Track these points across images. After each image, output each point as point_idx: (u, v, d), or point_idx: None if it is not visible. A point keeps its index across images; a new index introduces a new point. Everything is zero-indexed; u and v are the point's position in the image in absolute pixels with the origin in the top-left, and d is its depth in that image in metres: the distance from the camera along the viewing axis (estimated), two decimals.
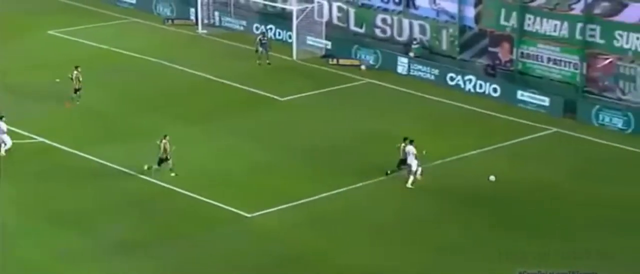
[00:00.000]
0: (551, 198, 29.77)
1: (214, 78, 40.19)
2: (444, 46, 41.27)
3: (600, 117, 36.04)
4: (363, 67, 41.75)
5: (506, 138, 34.26)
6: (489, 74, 39.94)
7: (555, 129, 35.45)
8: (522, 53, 39.02)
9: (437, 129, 34.97)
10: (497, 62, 39.82)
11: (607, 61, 37.00)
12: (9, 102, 36.70)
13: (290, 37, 43.47)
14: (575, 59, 37.67)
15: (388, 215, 28.53)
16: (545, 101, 37.40)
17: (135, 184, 30.32)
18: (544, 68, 38.67)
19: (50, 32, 42.96)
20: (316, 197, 29.40)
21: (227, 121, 35.60)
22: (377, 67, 40.94)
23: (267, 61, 41.90)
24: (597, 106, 36.36)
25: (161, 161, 30.47)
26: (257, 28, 45.48)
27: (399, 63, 41.38)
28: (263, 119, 36.02)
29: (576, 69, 37.67)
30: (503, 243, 26.81)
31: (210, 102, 37.71)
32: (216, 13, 47.02)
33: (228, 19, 46.81)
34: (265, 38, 42.70)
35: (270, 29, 44.95)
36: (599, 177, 31.25)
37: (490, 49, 40.08)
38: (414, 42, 41.90)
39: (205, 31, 46.40)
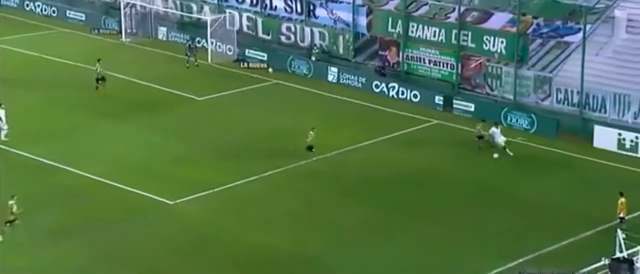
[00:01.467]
0: (432, 179, 30.41)
1: (137, 80, 39.74)
2: (341, 50, 41.64)
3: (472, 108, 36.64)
4: (270, 69, 41.68)
5: (396, 129, 34.77)
6: (380, 74, 40.66)
7: (436, 121, 36.27)
8: (407, 56, 39.77)
9: (335, 123, 35.17)
10: (387, 63, 40.46)
11: (477, 62, 38.21)
12: None
13: (207, 43, 43.11)
14: (451, 60, 38.59)
15: (292, 199, 28.64)
16: (427, 97, 38.09)
17: (64, 177, 29.71)
18: (426, 68, 39.48)
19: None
20: (231, 184, 29.38)
21: (149, 119, 35.18)
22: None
23: (196, 63, 41.63)
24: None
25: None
26: (176, 36, 45.16)
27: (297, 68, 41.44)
28: (182, 116, 35.75)
29: (452, 69, 38.68)
30: (387, 220, 27.31)
31: (134, 101, 37.17)
32: (137, 23, 46.42)
33: (149, 28, 46.22)
34: (194, 44, 42.46)
35: (185, 37, 44.60)
36: (470, 160, 31.96)
37: (381, 52, 40.70)
38: (315, 47, 42.10)
39: (128, 39, 45.83)
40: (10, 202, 26.02)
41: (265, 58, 41.84)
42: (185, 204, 28.11)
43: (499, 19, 37.87)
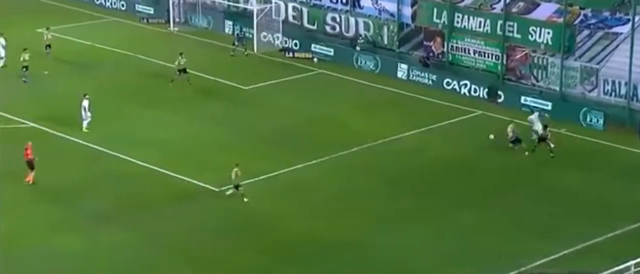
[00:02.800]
0: (473, 169, 30.36)
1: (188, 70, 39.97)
2: (386, 41, 41.58)
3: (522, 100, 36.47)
4: (315, 59, 41.93)
5: (439, 120, 34.74)
6: (424, 64, 40.57)
7: (480, 112, 36.09)
8: (452, 46, 39.61)
9: (379, 113, 35.28)
10: (431, 54, 40.35)
11: (523, 53, 37.86)
12: (4, 90, 36.31)
13: (253, 33, 43.33)
14: (496, 51, 38.30)
15: (336, 187, 28.91)
16: (471, 87, 37.93)
17: (113, 162, 30.25)
18: (470, 59, 39.31)
19: (38, 30, 42.25)
20: (276, 172, 29.65)
21: (196, 107, 35.47)
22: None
23: (245, 53, 41.94)
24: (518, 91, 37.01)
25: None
26: (223, 26, 45.51)
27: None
28: (229, 105, 35.99)
29: (497, 59, 38.44)
30: (427, 211, 27.50)
31: (180, 90, 37.55)
32: (187, 12, 46.93)
33: (197, 17, 46.73)
34: (243, 34, 42.86)
35: (232, 26, 44.92)
36: (511, 151, 31.77)
37: (425, 43, 40.59)
38: (360, 38, 42.06)
39: (176, 28, 46.34)
40: None
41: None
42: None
43: (545, 10, 37.49)
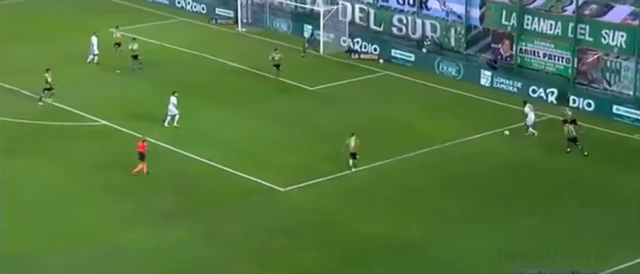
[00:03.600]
0: (538, 173, 29.89)
1: (251, 69, 40.39)
2: (453, 43, 41.23)
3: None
4: (381, 61, 41.85)
5: (506, 123, 34.10)
6: (492, 67, 39.96)
7: (549, 116, 35.35)
8: (521, 49, 38.92)
9: (443, 115, 34.97)
10: (499, 56, 39.72)
11: (595, 56, 36.90)
12: (73, 89, 37.09)
13: (319, 34, 43.54)
14: (567, 54, 37.52)
15: (399, 189, 28.82)
16: (540, 91, 37.31)
17: (180, 160, 30.58)
18: (540, 62, 38.53)
19: (111, 30, 43.13)
20: (340, 173, 29.61)
21: (262, 107, 35.64)
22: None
23: (314, 53, 42.24)
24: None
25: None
26: (290, 27, 45.85)
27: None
28: (294, 106, 36.14)
29: (568, 63, 37.59)
30: (490, 213, 27.18)
31: (247, 90, 37.88)
32: (254, 13, 47.39)
33: (264, 18, 47.11)
34: (313, 36, 43.21)
35: (299, 27, 45.27)
36: (579, 156, 31.22)
37: (493, 45, 40.02)
38: (427, 39, 41.90)
39: (244, 29, 46.77)
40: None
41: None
42: (294, 191, 28.51)
43: (618, 12, 36.46)
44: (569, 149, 31.10)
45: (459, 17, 40.93)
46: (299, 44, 42.97)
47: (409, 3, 42.67)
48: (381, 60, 41.87)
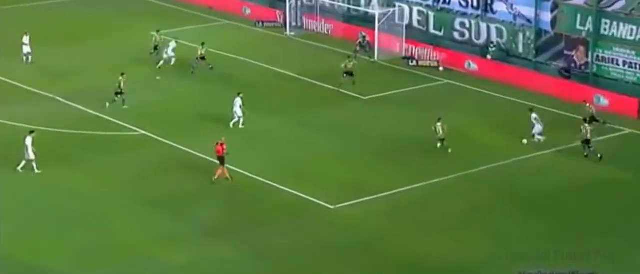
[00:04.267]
0: (613, 192, 29.72)
1: (299, 76, 40.84)
2: (521, 49, 41.02)
3: None
4: (441, 68, 41.76)
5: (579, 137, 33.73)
6: (565, 76, 39.80)
7: (629, 130, 35.02)
8: (597, 56, 38.54)
9: (511, 128, 34.66)
10: (573, 65, 39.40)
11: None
12: (108, 94, 37.32)
13: (374, 39, 43.55)
14: None
15: (459, 209, 28.72)
16: (619, 103, 36.97)
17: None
18: (619, 71, 38.10)
19: (152, 33, 43.77)
20: (395, 190, 29.59)
21: (310, 117, 35.94)
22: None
23: (367, 59, 42.51)
24: None
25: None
26: (342, 30, 46.24)
27: None
28: (345, 116, 36.41)
29: None
30: (554, 233, 26.98)
31: (294, 98, 38.22)
32: (303, 16, 47.81)
33: (314, 22, 47.51)
34: (365, 41, 43.38)
35: (351, 31, 45.61)
36: None
37: (566, 52, 39.65)
38: (491, 45, 41.79)
39: (292, 33, 47.08)
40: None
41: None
42: (345, 208, 28.61)
43: None
44: (586, 154, 31.39)
45: (528, 21, 40.78)
46: (352, 49, 43.30)
47: (472, 5, 42.69)
48: (441, 68, 41.98)
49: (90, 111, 36.30)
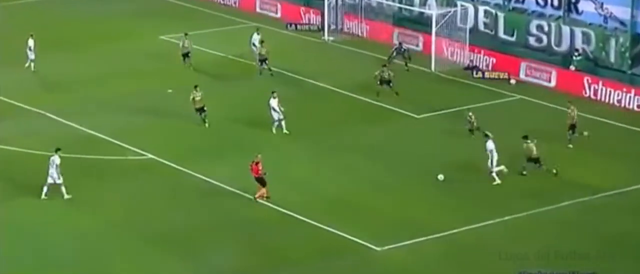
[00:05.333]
0: None
1: (339, 90, 40.78)
2: (612, 58, 40.49)
3: None
4: (513, 81, 41.61)
5: None
6: None
7: None
8: None
9: (602, 156, 34.25)
10: None
11: None
12: (115, 113, 37.88)
13: (431, 45, 43.68)
14: None
15: (535, 252, 27.83)
16: None
17: (246, 206, 30.67)
18: None
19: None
20: (452, 230, 29.09)
21: (351, 139, 35.82)
22: None
23: (405, 68, 42.73)
24: None
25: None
26: (391, 35, 46.28)
27: None
28: (394, 138, 36.28)
29: None
30: None
31: (333, 116, 38.08)
32: (344, 17, 47.87)
33: (358, 24, 47.50)
34: (402, 47, 43.33)
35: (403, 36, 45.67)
36: None
37: None
38: (576, 54, 41.23)
39: (331, 38, 47.25)
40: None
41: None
42: (394, 250, 28.18)
43: None
44: (524, 172, 32.25)
45: (622, 23, 40.30)
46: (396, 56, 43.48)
47: (552, 5, 42.42)
48: (513, 81, 41.56)
49: (90, 131, 36.30)
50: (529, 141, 32.30)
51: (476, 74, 42.33)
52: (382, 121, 37.67)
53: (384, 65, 39.90)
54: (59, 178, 30.55)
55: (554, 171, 32.08)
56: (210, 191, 31.41)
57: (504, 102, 39.79)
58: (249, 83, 41.44)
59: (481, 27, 44.20)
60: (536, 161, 32.11)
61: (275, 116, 35.59)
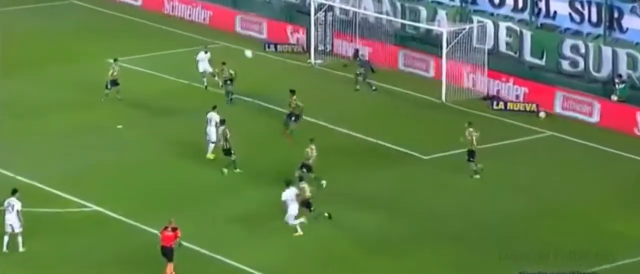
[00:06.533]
0: None
1: (330, 125, 40.75)
2: None
3: None
4: (542, 114, 41.81)
5: None
6: None
7: None
8: None
9: None
10: None
11: None
12: (51, 152, 37.69)
13: (441, 69, 43.61)
14: None
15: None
16: None
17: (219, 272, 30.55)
18: None
19: (109, 60, 44.04)
20: None
21: (346, 186, 35.59)
22: None
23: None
24: None
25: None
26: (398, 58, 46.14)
27: None
28: (398, 183, 36.18)
29: None
30: None
31: (324, 158, 37.04)
32: (334, 36, 48.07)
33: (351, 44, 47.64)
34: (362, 56, 44.93)
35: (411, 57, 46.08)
36: None
37: None
38: (619, 80, 41.33)
39: (319, 61, 47.42)
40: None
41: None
42: None
43: None
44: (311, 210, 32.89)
45: None
46: (415, 83, 43.83)
47: (590, 20, 42.51)
48: (542, 113, 41.65)
49: (22, 178, 35.88)
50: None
51: (497, 105, 42.53)
52: (382, 163, 37.58)
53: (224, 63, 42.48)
54: (19, 226, 30.70)
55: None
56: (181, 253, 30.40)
57: (531, 140, 39.92)
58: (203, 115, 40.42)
59: (503, 47, 44.48)
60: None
61: (212, 137, 36.86)
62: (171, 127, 40.01)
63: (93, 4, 55.24)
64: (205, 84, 44.00)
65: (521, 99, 42.56)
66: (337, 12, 47.76)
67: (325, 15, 47.60)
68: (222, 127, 36.37)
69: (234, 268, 30.19)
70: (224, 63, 42.67)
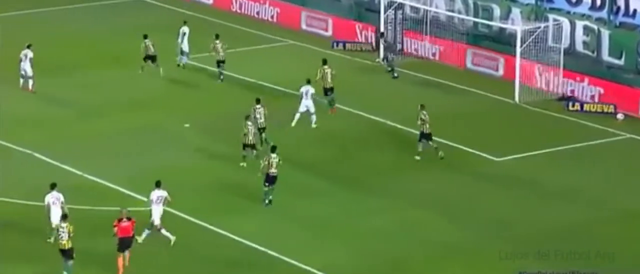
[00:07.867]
0: None
1: (399, 125, 40.66)
2: None
3: None
4: (620, 116, 41.44)
5: None
6: None
7: None
8: None
9: None
10: None
11: None
12: (118, 151, 38.12)
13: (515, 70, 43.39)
14: None
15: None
16: None
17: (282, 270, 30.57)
18: None
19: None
20: None
21: (413, 189, 35.58)
22: None
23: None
24: None
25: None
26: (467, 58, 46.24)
27: None
28: (465, 186, 36.05)
29: None
30: None
31: (391, 159, 37.68)
32: (403, 34, 47.99)
33: (420, 42, 47.71)
34: (385, 41, 45.92)
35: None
36: None
37: None
38: None
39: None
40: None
41: None
42: None
43: None
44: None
45: None
46: (483, 83, 43.98)
47: None
48: (621, 115, 41.37)
49: (91, 177, 36.15)
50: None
51: (572, 106, 42.24)
52: (451, 165, 37.24)
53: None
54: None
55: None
56: (237, 253, 30.89)
57: (608, 143, 39.60)
58: (280, 116, 40.52)
59: (579, 47, 44.13)
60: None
61: (310, 108, 39.01)
62: (238, 126, 39.11)
63: (165, 3, 55.36)
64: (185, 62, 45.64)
65: (596, 99, 42.15)
66: (407, 10, 47.53)
67: (395, 13, 47.40)
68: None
69: (301, 269, 30.10)
70: (217, 36, 44.39)
